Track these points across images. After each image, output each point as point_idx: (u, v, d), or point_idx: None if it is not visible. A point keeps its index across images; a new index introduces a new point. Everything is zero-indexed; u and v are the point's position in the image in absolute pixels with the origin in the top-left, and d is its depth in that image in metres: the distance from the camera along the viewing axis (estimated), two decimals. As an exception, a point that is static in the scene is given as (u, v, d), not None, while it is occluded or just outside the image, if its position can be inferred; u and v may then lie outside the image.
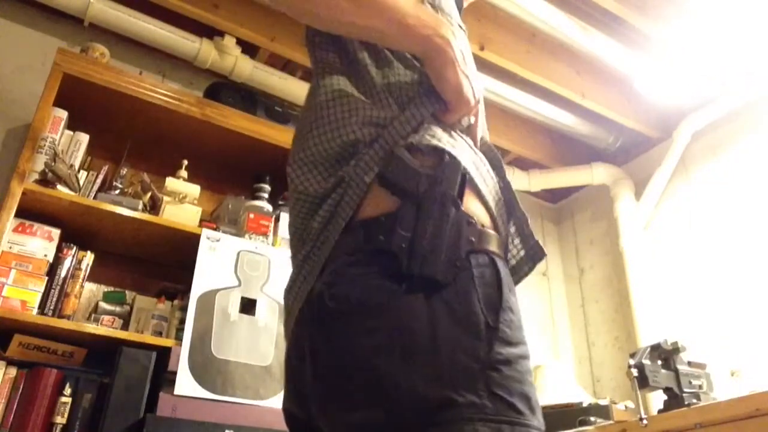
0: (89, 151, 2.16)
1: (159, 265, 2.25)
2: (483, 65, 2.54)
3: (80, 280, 1.95)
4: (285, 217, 2.26)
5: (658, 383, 1.98)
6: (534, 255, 0.86)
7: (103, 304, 1.99)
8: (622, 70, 2.74)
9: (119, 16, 2.37)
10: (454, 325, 0.65)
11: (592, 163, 3.22)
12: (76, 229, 2.01)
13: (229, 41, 2.57)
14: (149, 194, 2.17)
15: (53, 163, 1.91)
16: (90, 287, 2.14)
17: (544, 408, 2.28)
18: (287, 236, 0.97)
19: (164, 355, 1.83)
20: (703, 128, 2.90)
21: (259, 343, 1.96)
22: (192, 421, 1.73)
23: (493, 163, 0.85)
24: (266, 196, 2.38)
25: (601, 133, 3.21)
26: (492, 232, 0.75)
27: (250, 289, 2.03)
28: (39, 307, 1.82)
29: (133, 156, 2.31)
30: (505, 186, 0.85)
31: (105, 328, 1.89)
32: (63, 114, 2.05)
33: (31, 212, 1.90)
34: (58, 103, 2.02)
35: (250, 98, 2.47)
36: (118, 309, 2.00)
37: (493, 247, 0.73)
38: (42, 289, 1.84)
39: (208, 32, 2.56)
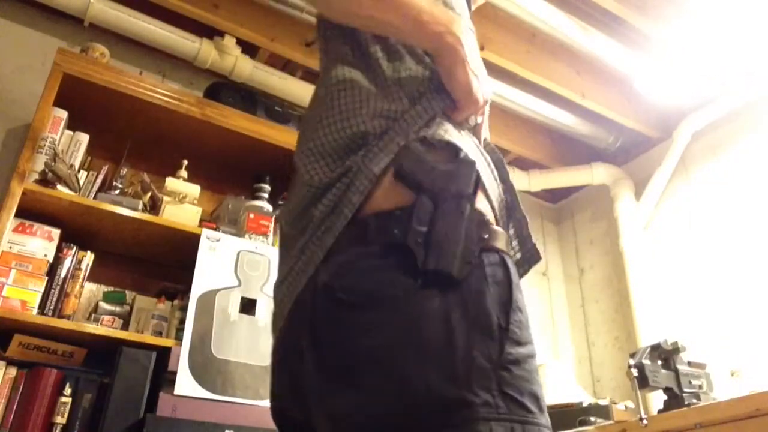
0: (89, 151, 2.16)
1: (159, 265, 2.25)
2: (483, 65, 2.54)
3: (80, 280, 1.95)
4: (285, 217, 2.26)
5: (658, 383, 1.98)
6: (530, 258, 0.87)
7: (103, 304, 1.99)
8: (622, 70, 2.74)
9: (119, 16, 2.37)
10: (468, 324, 0.65)
11: (592, 163, 3.22)
12: (76, 229, 2.01)
13: (229, 41, 2.57)
14: (149, 194, 2.17)
15: (53, 163, 1.91)
16: (90, 287, 2.14)
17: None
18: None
19: (164, 355, 1.83)
20: (703, 128, 2.90)
21: (259, 343, 1.96)
22: (192, 421, 1.73)
23: (496, 164, 0.85)
24: (266, 196, 2.38)
25: (601, 133, 3.21)
26: (501, 229, 0.75)
27: (250, 289, 2.03)
28: (39, 307, 1.82)
29: (133, 156, 2.31)
30: (507, 187, 0.85)
31: (105, 328, 1.89)
32: (63, 114, 2.05)
33: (31, 212, 1.90)
34: (58, 103, 2.02)
35: (250, 98, 2.47)
36: (118, 309, 2.00)
37: (502, 245, 0.73)
38: (42, 289, 1.84)
39: (208, 32, 2.56)
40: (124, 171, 2.22)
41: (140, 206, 2.07)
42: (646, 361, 2.00)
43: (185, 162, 2.26)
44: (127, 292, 2.14)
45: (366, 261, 0.70)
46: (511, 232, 0.85)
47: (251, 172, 2.43)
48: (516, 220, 0.85)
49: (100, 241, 2.11)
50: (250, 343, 1.95)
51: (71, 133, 2.10)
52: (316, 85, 0.90)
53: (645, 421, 1.84)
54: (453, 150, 0.75)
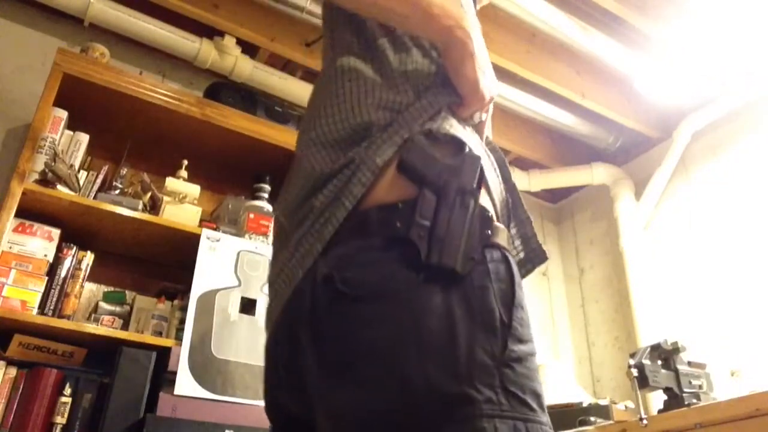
0: (89, 151, 2.16)
1: (159, 265, 2.25)
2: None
3: (80, 280, 1.95)
4: (285, 217, 2.26)
5: (658, 383, 1.98)
6: (534, 257, 0.86)
7: (103, 304, 1.99)
8: (622, 70, 2.74)
9: (119, 16, 2.37)
10: (470, 320, 0.64)
11: (592, 163, 3.22)
12: (76, 229, 2.01)
13: (229, 41, 2.57)
14: (149, 194, 2.17)
15: (53, 163, 1.91)
16: (90, 287, 2.14)
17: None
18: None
19: (164, 355, 1.83)
20: (703, 128, 2.90)
21: (259, 343, 1.95)
22: (192, 421, 1.73)
23: (498, 164, 0.84)
24: (266, 196, 2.38)
25: (601, 133, 3.21)
26: (502, 226, 0.74)
27: (250, 289, 2.03)
28: (39, 307, 1.82)
29: (133, 156, 2.31)
30: (509, 187, 0.84)
31: (105, 328, 1.89)
32: (63, 114, 2.05)
33: (31, 212, 1.90)
34: (58, 103, 2.02)
35: (250, 98, 2.47)
36: (118, 309, 2.00)
37: (504, 241, 0.73)
38: (42, 289, 1.84)
39: (208, 32, 2.56)
40: (124, 171, 2.22)
41: (140, 206, 2.07)
42: (646, 361, 2.00)
43: (185, 162, 2.26)
44: (127, 292, 2.14)
45: (367, 254, 0.69)
46: (514, 231, 0.84)
47: (251, 172, 2.44)
48: (519, 220, 0.85)
49: (100, 241, 2.11)
50: (250, 343, 1.95)
51: (71, 133, 2.10)
52: (319, 75, 0.88)
53: (645, 421, 1.84)
54: (458, 144, 0.74)
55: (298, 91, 2.70)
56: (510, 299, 0.68)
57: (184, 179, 2.22)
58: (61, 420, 1.71)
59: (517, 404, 0.63)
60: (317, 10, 2.42)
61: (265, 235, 2.21)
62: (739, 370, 2.42)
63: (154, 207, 2.15)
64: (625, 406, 2.42)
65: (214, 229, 2.13)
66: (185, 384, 1.79)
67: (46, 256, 1.89)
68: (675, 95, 2.80)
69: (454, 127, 0.77)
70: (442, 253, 0.66)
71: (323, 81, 0.85)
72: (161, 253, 2.20)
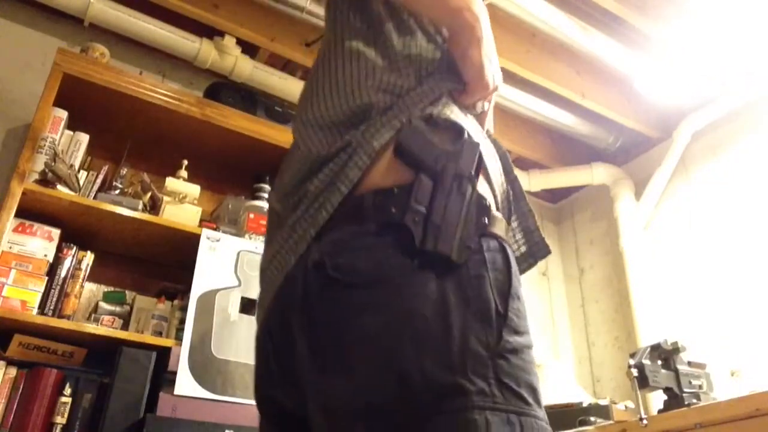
0: (89, 151, 2.16)
1: (159, 265, 2.25)
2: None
3: (80, 280, 1.95)
4: (285, 217, 2.26)
5: (658, 383, 1.98)
6: (536, 252, 0.83)
7: (103, 304, 1.99)
8: (622, 70, 2.74)
9: (119, 16, 2.37)
10: (465, 309, 0.63)
11: (592, 163, 3.22)
12: (76, 229, 2.01)
13: (229, 41, 2.57)
14: (149, 194, 2.17)
15: (53, 163, 1.91)
16: (90, 287, 2.14)
17: (545, 408, 2.27)
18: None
19: (164, 355, 1.83)
20: (703, 128, 2.89)
21: (259, 343, 1.96)
22: (192, 421, 1.73)
23: (500, 157, 0.83)
24: (266, 196, 2.38)
25: (601, 133, 3.21)
26: (501, 216, 0.73)
27: (250, 289, 2.03)
28: (39, 307, 1.82)
29: (133, 156, 2.31)
30: (510, 179, 0.82)
31: (105, 328, 1.89)
32: (63, 114, 2.05)
33: (31, 212, 1.90)
34: (58, 103, 2.02)
35: (250, 98, 2.47)
36: (118, 309, 2.00)
37: (502, 232, 0.71)
38: (42, 289, 1.84)
39: (208, 32, 2.56)
40: (124, 171, 2.22)
41: (140, 206, 2.07)
42: (646, 361, 2.00)
43: (185, 162, 2.26)
44: (127, 292, 2.14)
45: (361, 239, 0.67)
46: (515, 224, 0.82)
47: (251, 172, 2.43)
48: (521, 212, 0.83)
49: (100, 241, 2.11)
50: (250, 343, 1.93)
51: (71, 133, 2.10)
52: (318, 55, 0.86)
53: (645, 421, 1.84)
54: (457, 130, 0.73)
55: (298, 91, 2.66)
56: (506, 289, 0.66)
57: (184, 179, 2.22)
58: (61, 420, 1.71)
59: (512, 397, 0.61)
60: (317, 10, 2.42)
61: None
62: (739, 370, 2.42)
63: (154, 207, 2.15)
64: (625, 406, 2.42)
65: (214, 229, 2.13)
66: (185, 384, 1.79)
67: (46, 256, 1.89)
68: (675, 95, 2.79)
69: (455, 113, 0.76)
70: (438, 239, 0.64)
71: (322, 61, 0.82)
72: (161, 253, 2.20)
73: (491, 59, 0.80)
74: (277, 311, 0.74)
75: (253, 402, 0.72)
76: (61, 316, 1.86)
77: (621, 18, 2.54)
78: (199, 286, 1.96)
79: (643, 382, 1.96)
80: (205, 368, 1.84)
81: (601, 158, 3.28)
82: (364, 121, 0.73)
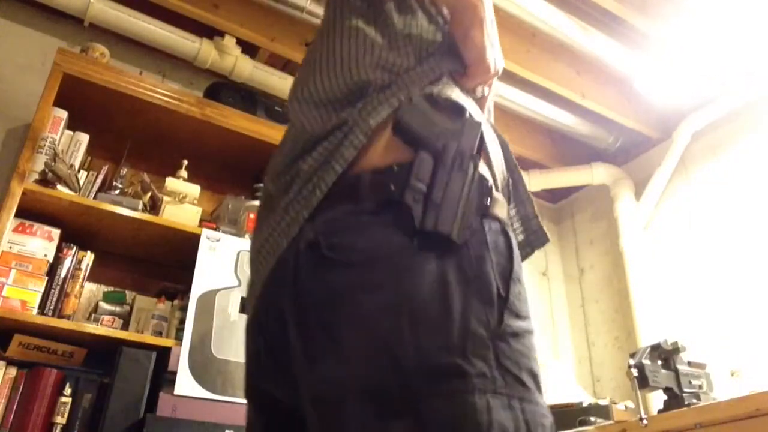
0: (89, 151, 2.16)
1: (159, 265, 2.25)
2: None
3: (80, 280, 1.95)
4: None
5: (658, 383, 1.98)
6: (534, 240, 0.81)
7: (103, 304, 1.99)
8: (622, 70, 2.74)
9: (119, 16, 2.37)
10: (466, 290, 0.60)
11: (592, 163, 3.22)
12: (76, 229, 2.01)
13: (229, 41, 2.57)
14: (149, 194, 2.17)
15: (53, 163, 1.91)
16: (90, 287, 2.14)
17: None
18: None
19: (164, 355, 1.83)
20: (703, 128, 2.89)
21: (259, 343, 1.96)
22: (192, 421, 1.73)
23: (501, 145, 0.81)
24: (266, 196, 2.38)
25: (601, 133, 3.20)
26: (502, 198, 0.71)
27: (250, 289, 2.02)
28: (39, 307, 1.82)
29: (133, 156, 2.31)
30: (511, 166, 0.80)
31: (105, 328, 1.89)
32: (63, 114, 2.05)
33: (31, 212, 1.90)
34: (58, 103, 2.02)
35: (250, 98, 2.47)
36: (118, 309, 2.00)
37: (503, 215, 0.69)
38: (42, 289, 1.84)
39: (208, 32, 2.56)
40: (124, 171, 2.22)
41: (140, 206, 2.07)
42: (646, 361, 2.00)
43: (185, 162, 2.26)
44: (127, 292, 2.14)
45: (357, 218, 0.64)
46: (513, 212, 0.80)
47: (251, 172, 2.43)
48: (519, 200, 0.80)
49: (100, 241, 2.11)
50: (250, 343, 1.94)
51: (71, 133, 2.10)
52: (317, 32, 0.84)
53: (645, 421, 1.84)
54: (458, 109, 0.71)
55: (298, 91, 2.69)
56: (508, 272, 0.64)
57: (184, 179, 2.22)
58: (61, 420, 1.71)
59: (513, 381, 0.59)
60: (317, 10, 2.42)
61: (265, 235, 2.21)
62: (739, 370, 2.42)
63: (154, 207, 2.16)
64: (625, 406, 2.42)
65: (214, 229, 2.13)
66: (185, 384, 1.79)
67: (46, 256, 1.89)
68: (675, 95, 2.79)
69: (456, 93, 0.74)
70: (438, 218, 0.62)
71: (321, 39, 0.80)
72: (161, 253, 2.20)
73: (493, 42, 0.78)
74: (269, 298, 0.71)
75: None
76: (61, 316, 1.86)
77: (621, 18, 2.53)
78: (199, 286, 1.96)
79: (643, 382, 1.96)
80: (205, 368, 1.84)
81: (601, 158, 3.28)
82: (360, 99, 0.71)
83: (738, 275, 2.58)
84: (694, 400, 1.95)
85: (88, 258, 1.99)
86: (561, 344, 3.28)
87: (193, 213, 2.15)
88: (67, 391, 1.75)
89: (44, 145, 1.95)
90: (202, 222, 2.17)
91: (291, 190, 0.71)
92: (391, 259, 0.61)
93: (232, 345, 1.92)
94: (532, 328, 0.64)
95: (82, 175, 2.07)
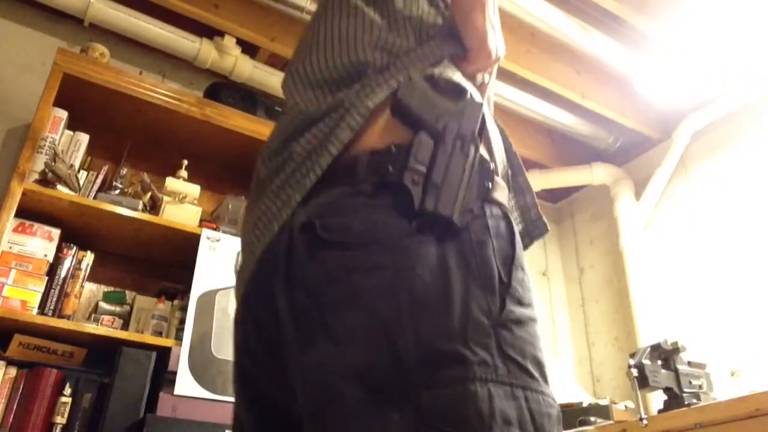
0: (89, 151, 2.16)
1: (159, 265, 2.25)
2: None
3: (80, 280, 1.95)
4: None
5: (658, 383, 1.98)
6: (533, 230, 0.79)
7: (103, 304, 1.99)
8: (621, 70, 2.74)
9: (119, 16, 2.37)
10: (466, 275, 0.58)
11: (592, 163, 3.22)
12: (76, 229, 2.01)
13: (229, 41, 2.57)
14: (149, 194, 2.17)
15: (53, 163, 1.91)
16: (90, 287, 2.14)
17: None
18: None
19: (164, 355, 1.83)
20: (703, 128, 2.89)
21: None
22: (192, 421, 1.73)
23: (501, 133, 0.79)
24: (266, 196, 2.38)
25: (601, 133, 3.21)
26: (503, 183, 0.69)
27: (250, 289, 2.02)
28: (39, 307, 1.82)
29: (133, 156, 2.31)
30: (510, 155, 0.78)
31: (105, 328, 1.89)
32: (63, 114, 2.05)
33: (31, 212, 1.90)
34: (58, 103, 2.02)
35: (250, 98, 2.47)
36: (118, 309, 2.00)
37: (505, 200, 0.68)
38: (42, 289, 1.84)
39: (208, 32, 2.56)
40: (124, 171, 2.22)
41: (140, 206, 2.07)
42: (646, 361, 2.00)
43: (185, 162, 2.26)
44: (127, 292, 2.14)
45: (353, 200, 0.62)
46: (512, 202, 0.77)
47: (251, 172, 2.42)
48: (518, 189, 0.78)
49: (100, 241, 2.11)
50: (250, 343, 1.94)
51: (71, 133, 2.10)
52: (314, 13, 0.81)
53: (645, 421, 1.84)
54: (460, 91, 0.69)
55: (298, 91, 2.69)
56: (510, 258, 0.62)
57: (184, 179, 2.22)
58: (61, 420, 1.71)
59: (516, 370, 0.56)
60: (317, 10, 2.41)
61: (265, 235, 2.21)
62: (739, 370, 2.42)
63: (154, 207, 2.16)
64: (625, 406, 2.42)
65: (214, 229, 2.13)
66: (185, 384, 1.79)
67: (46, 256, 1.89)
68: (675, 95, 2.80)
69: (457, 75, 0.72)
70: (438, 200, 0.60)
71: (318, 18, 0.78)
72: (161, 253, 2.20)
73: (495, 27, 0.76)
74: (259, 283, 0.68)
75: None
76: (61, 316, 1.86)
77: (620, 18, 2.53)
78: (199, 286, 1.96)
79: (643, 382, 1.96)
80: (205, 368, 1.84)
81: (601, 158, 3.28)
82: (358, 80, 0.69)
83: (738, 275, 2.58)
84: (694, 400, 1.95)
85: (88, 258, 1.99)
86: (561, 344, 3.28)
87: (193, 213, 2.15)
88: (67, 391, 1.75)
89: (44, 145, 1.95)
90: (202, 222, 2.17)
91: (283, 172, 0.69)
92: (388, 240, 0.59)
93: (232, 345, 1.91)
94: (536, 316, 0.62)
95: (82, 175, 2.07)
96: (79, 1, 2.30)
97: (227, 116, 2.30)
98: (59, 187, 1.93)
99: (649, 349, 2.06)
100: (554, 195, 3.63)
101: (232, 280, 2.02)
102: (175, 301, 2.06)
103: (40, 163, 1.92)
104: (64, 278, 1.91)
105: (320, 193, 0.64)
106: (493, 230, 0.63)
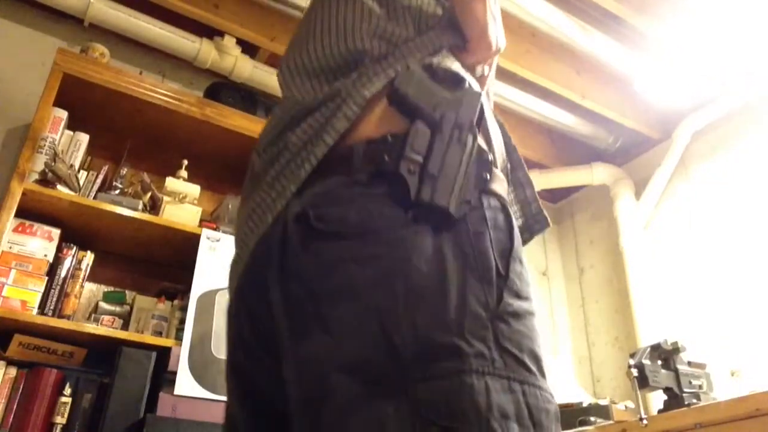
0: (89, 151, 2.16)
1: (159, 265, 2.25)
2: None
3: (80, 280, 1.95)
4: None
5: (658, 383, 1.98)
6: (533, 224, 0.77)
7: (103, 304, 1.99)
8: (621, 70, 2.74)
9: (119, 16, 2.37)
10: (463, 266, 0.57)
11: (592, 163, 3.22)
12: (76, 229, 2.01)
13: (229, 41, 2.57)
14: (149, 194, 2.17)
15: (53, 163, 1.91)
16: (90, 287, 2.14)
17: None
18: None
19: (164, 355, 1.83)
20: (703, 128, 2.90)
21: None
22: (192, 421, 1.73)
23: (500, 128, 0.78)
24: (266, 196, 2.38)
25: (601, 134, 3.21)
26: (502, 175, 0.68)
27: (250, 289, 2.02)
28: (39, 307, 1.82)
29: (133, 156, 2.31)
30: (509, 149, 0.77)
31: (105, 328, 1.89)
32: (63, 114, 2.05)
33: (31, 212, 1.90)
34: (58, 103, 2.02)
35: (250, 98, 2.47)
36: (118, 309, 2.00)
37: (503, 192, 0.66)
38: (42, 289, 1.84)
39: (208, 32, 2.56)
40: (124, 171, 2.22)
41: (140, 206, 2.07)
42: (646, 361, 2.00)
43: (185, 162, 2.26)
44: (127, 292, 2.14)
45: (349, 190, 0.61)
46: (512, 196, 0.76)
47: (251, 172, 2.43)
48: (518, 183, 0.77)
49: (100, 241, 2.11)
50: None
51: (71, 133, 2.10)
52: (306, 11, 0.80)
53: (645, 421, 1.84)
54: (458, 80, 0.68)
55: (298, 91, 2.69)
56: (508, 250, 0.61)
57: (184, 179, 2.22)
58: (61, 420, 1.71)
59: (513, 363, 0.55)
60: (317, 10, 2.41)
61: (265, 235, 2.21)
62: (739, 370, 2.42)
63: (154, 207, 2.15)
64: (625, 406, 2.42)
65: (214, 229, 2.13)
66: (185, 384, 1.79)
67: (46, 256, 1.89)
68: (675, 95, 2.80)
69: (455, 65, 0.71)
70: (435, 190, 0.59)
71: (316, 6, 0.77)
72: (161, 253, 2.20)
73: (496, 17, 0.76)
74: (253, 275, 0.68)
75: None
76: (61, 316, 1.86)
77: (620, 18, 2.53)
78: (199, 286, 1.96)
79: (643, 382, 1.96)
80: (205, 368, 1.84)
81: (601, 158, 3.28)
82: (355, 70, 0.68)
83: (738, 275, 2.58)
84: (694, 400, 1.95)
85: (88, 258, 1.99)
86: (561, 344, 3.28)
87: (193, 213, 2.15)
88: (67, 391, 1.75)
89: (44, 145, 1.95)
90: (202, 222, 2.17)
91: (277, 163, 0.68)
92: (384, 230, 0.58)
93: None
94: (533, 309, 0.61)
95: (82, 175, 2.07)
96: (79, 1, 2.31)
97: (227, 116, 2.30)
98: (59, 187, 1.93)
99: (649, 349, 2.06)
100: (554, 195, 3.63)
101: (232, 280, 2.02)
102: (175, 301, 2.06)
103: (40, 163, 1.92)
104: (64, 278, 1.91)
105: (315, 183, 0.63)
106: (490, 222, 0.62)
